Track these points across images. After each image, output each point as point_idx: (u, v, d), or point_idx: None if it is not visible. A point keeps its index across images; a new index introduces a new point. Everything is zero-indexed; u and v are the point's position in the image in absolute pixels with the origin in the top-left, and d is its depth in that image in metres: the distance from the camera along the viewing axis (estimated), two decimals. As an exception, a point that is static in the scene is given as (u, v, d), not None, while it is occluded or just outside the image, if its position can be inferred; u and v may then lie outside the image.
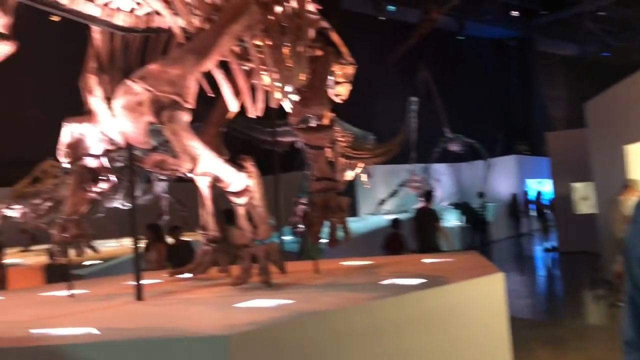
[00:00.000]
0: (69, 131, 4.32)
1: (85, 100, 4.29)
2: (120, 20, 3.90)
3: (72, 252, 4.22)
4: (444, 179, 22.75)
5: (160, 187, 14.31)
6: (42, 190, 12.43)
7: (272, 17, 4.43)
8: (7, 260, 10.38)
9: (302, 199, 13.26)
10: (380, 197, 20.01)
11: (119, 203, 12.81)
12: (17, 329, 2.83)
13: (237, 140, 10.42)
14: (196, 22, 4.02)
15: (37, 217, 12.59)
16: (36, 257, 11.53)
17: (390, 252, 9.92)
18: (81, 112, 4.46)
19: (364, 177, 13.00)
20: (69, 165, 4.42)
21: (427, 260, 5.47)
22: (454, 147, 20.90)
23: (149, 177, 13.83)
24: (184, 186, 14.14)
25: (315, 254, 9.09)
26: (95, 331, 2.70)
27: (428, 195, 11.43)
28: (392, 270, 4.69)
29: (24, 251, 12.63)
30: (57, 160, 12.75)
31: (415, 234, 10.51)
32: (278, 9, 4.52)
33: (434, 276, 4.11)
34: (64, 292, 4.34)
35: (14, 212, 12.38)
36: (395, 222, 10.83)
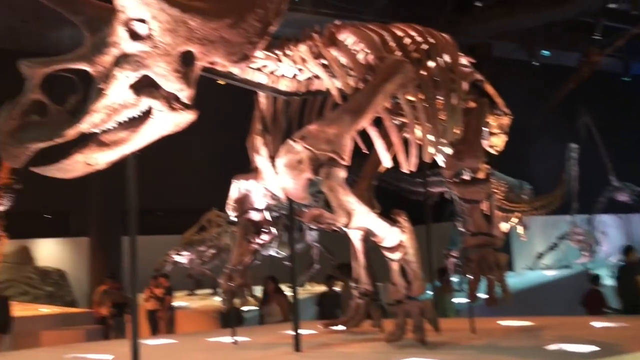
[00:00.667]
0: (237, 187, 4.70)
1: (251, 158, 4.65)
2: (284, 85, 4.22)
3: (237, 300, 4.51)
4: (611, 232, 20.72)
5: (311, 235, 14.76)
6: (207, 238, 13.50)
7: (425, 73, 4.50)
8: (175, 303, 11.31)
9: (452, 252, 12.89)
10: (538, 251, 18.72)
11: (273, 251, 13.45)
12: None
13: (385, 192, 10.51)
14: (352, 82, 4.21)
15: (202, 263, 13.67)
16: (201, 300, 12.41)
17: (589, 310, 9.30)
18: (247, 169, 4.83)
19: (520, 230, 12.32)
20: (235, 219, 4.78)
21: (597, 324, 4.98)
22: (622, 197, 19.03)
23: (301, 226, 14.40)
24: (334, 236, 14.53)
25: (450, 311, 8.71)
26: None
27: (629, 250, 10.37)
28: (558, 334, 4.34)
29: (190, 295, 13.67)
30: (221, 211, 13.76)
31: (620, 291, 9.67)
32: (431, 64, 4.59)
33: (606, 343, 3.72)
34: (228, 339, 4.62)
35: (182, 258, 13.57)
36: (594, 278, 10.26)
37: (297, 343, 3.91)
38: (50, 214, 17.66)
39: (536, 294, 10.42)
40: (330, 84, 4.20)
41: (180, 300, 12.10)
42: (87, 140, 3.02)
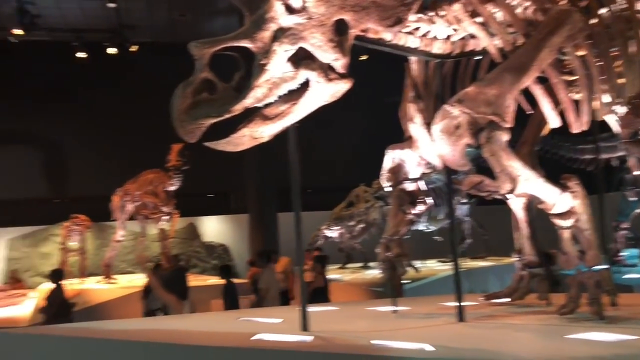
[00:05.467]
0: (391, 157, 4.65)
1: (405, 127, 4.57)
2: (437, 48, 4.06)
3: (395, 271, 4.50)
4: None
5: (461, 209, 14.33)
6: (356, 214, 13.71)
7: (596, 22, 4.07)
8: (329, 276, 11.65)
9: (622, 223, 11.73)
10: None
11: (423, 225, 13.27)
12: (359, 339, 3.12)
13: (541, 160, 9.81)
14: (512, 39, 3.94)
15: (352, 237, 13.93)
16: (352, 274, 12.66)
17: None
18: (394, 140, 4.75)
19: None
20: (390, 189, 4.75)
21: None
22: None
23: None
24: (485, 209, 13.94)
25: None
26: (428, 347, 2.79)
27: None
28: None
29: (341, 268, 14.01)
30: (368, 186, 13.82)
31: None
32: (603, 12, 4.13)
33: None
34: (387, 308, 4.64)
35: (333, 232, 13.94)
36: None
37: (460, 313, 3.81)
38: (213, 194, 19.17)
39: None
40: (488, 42, 3.96)
41: (332, 274, 12.44)
42: (252, 114, 3.16)
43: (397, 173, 4.66)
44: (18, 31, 15.30)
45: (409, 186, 4.69)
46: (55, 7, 15.90)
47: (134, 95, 17.62)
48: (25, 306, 11.25)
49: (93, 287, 11.99)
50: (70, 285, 10.78)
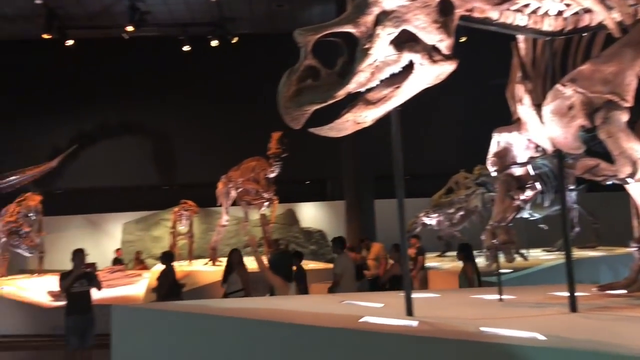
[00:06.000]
0: (497, 140, 4.49)
1: (512, 109, 4.39)
2: (547, 25, 3.85)
3: (501, 258, 4.36)
4: None
5: (570, 197, 13.58)
6: (455, 201, 13.38)
7: None
8: (427, 264, 11.50)
9: None
10: None
11: (527, 213, 12.72)
12: (467, 325, 3.06)
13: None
14: (633, 11, 3.65)
15: (451, 225, 13.62)
16: (451, 262, 12.42)
17: None
18: (495, 125, 4.57)
19: None
20: (495, 174, 4.59)
21: None
22: None
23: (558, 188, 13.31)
24: (594, 196, 13.10)
25: None
26: (540, 336, 2.69)
27: None
28: None
29: (440, 256, 13.77)
30: (469, 172, 13.39)
31: None
32: None
33: None
34: (492, 296, 4.51)
35: (431, 220, 13.69)
36: None
37: (572, 303, 3.62)
38: (310, 181, 19.52)
39: None
40: (606, 16, 3.69)
41: (431, 262, 12.28)
42: (354, 99, 3.18)
43: (504, 157, 4.48)
44: (129, 28, 16.33)
45: (517, 171, 4.50)
46: (162, 3, 16.81)
47: (234, 85, 18.29)
48: (139, 286, 12.09)
49: (200, 269, 12.63)
50: (180, 267, 11.45)
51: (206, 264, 13.50)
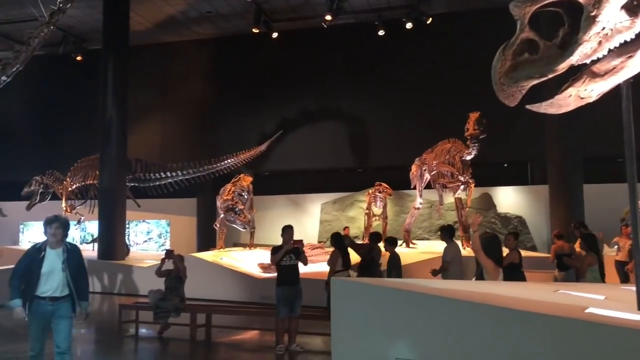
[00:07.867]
0: None
1: None
2: None
3: None
4: None
5: None
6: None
7: None
8: None
9: None
10: None
11: None
12: None
13: None
14: None
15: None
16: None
17: None
18: None
19: None
20: None
21: None
22: None
23: None
24: None
25: None
26: None
27: None
28: None
29: None
30: None
31: None
32: None
33: None
34: None
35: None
36: None
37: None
38: (509, 164, 18.54)
39: None
40: None
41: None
42: (576, 73, 2.93)
43: None
44: (328, 17, 17.05)
45: None
46: (357, -11, 17.25)
47: (428, 67, 18.08)
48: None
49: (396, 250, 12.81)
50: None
51: (400, 245, 13.66)
